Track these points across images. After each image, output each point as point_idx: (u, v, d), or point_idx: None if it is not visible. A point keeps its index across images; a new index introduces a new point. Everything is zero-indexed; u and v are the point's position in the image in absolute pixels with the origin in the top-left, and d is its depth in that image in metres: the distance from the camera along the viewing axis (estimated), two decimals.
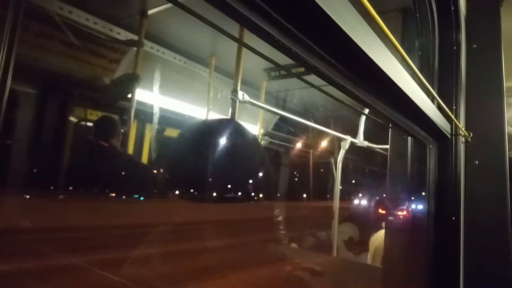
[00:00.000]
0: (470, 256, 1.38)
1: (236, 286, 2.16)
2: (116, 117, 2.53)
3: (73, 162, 2.48)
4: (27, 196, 2.21)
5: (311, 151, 4.84)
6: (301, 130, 4.20)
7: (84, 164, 2.46)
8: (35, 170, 2.28)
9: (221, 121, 2.48)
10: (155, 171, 2.96)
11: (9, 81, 1.28)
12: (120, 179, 2.53)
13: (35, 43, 1.99)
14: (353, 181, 5.54)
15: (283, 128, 3.90)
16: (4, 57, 1.29)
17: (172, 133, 3.11)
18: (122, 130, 2.47)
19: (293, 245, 3.27)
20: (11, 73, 1.30)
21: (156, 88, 2.56)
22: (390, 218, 1.67)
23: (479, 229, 1.40)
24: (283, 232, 2.82)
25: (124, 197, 2.56)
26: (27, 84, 2.19)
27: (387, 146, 1.74)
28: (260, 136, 3.38)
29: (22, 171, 2.21)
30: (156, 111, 2.66)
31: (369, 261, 2.72)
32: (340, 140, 3.41)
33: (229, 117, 2.08)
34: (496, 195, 1.39)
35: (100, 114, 2.57)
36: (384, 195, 1.71)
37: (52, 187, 2.35)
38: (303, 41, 0.59)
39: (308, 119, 2.86)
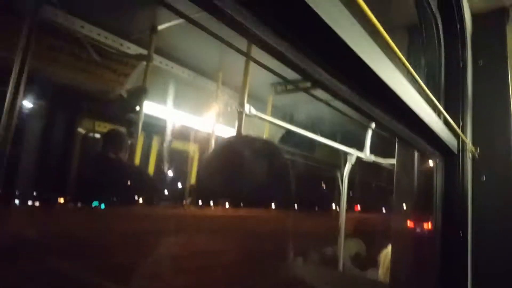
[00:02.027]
0: (478, 273, 1.37)
1: None
2: (124, 129, 2.56)
3: (80, 173, 2.50)
4: (32, 205, 2.22)
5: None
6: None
7: (90, 175, 2.48)
8: (41, 180, 2.29)
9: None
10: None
11: (21, 94, 1.32)
12: (125, 190, 2.54)
13: (46, 56, 2.04)
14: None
15: None
16: (17, 70, 1.33)
17: (178, 145, 3.13)
18: (130, 142, 2.49)
19: None
20: (23, 86, 1.34)
21: (163, 100, 2.60)
22: (397, 233, 1.65)
23: (486, 245, 1.38)
24: None
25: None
26: (37, 96, 2.23)
27: (394, 161, 1.74)
28: None
29: (30, 180, 2.23)
30: (163, 123, 2.69)
31: (380, 276, 2.67)
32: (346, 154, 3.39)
33: (235, 129, 2.09)
34: (504, 211, 1.38)
35: (108, 126, 2.60)
36: (390, 210, 1.70)
37: (54, 197, 2.37)
38: (311, 57, 0.60)
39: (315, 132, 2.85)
